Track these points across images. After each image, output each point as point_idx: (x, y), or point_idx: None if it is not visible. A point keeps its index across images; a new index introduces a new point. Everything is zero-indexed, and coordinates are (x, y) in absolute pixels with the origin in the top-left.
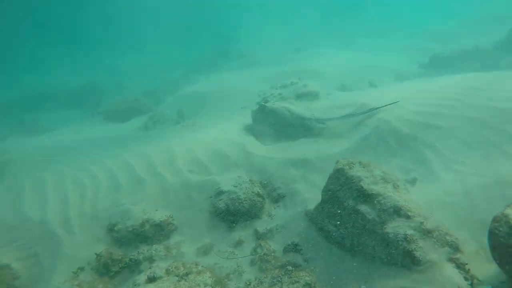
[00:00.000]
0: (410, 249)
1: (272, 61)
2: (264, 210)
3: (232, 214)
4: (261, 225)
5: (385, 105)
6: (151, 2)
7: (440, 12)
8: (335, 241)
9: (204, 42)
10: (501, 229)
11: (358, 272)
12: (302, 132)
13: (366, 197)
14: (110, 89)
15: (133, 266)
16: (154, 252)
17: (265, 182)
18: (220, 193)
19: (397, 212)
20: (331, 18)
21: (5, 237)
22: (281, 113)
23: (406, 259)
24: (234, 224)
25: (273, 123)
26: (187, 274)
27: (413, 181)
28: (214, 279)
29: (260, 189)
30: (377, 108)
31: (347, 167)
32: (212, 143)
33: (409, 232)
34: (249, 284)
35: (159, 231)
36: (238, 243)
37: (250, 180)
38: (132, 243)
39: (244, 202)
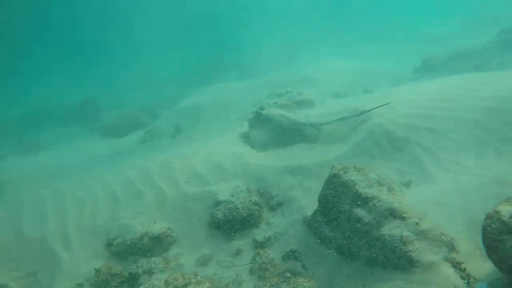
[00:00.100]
0: (406, 250)
1: (268, 70)
2: (262, 218)
3: (230, 224)
4: (260, 233)
5: (377, 107)
6: (149, 14)
7: (440, 12)
8: (333, 246)
9: (199, 54)
10: (493, 225)
11: (356, 276)
12: (298, 137)
13: (362, 200)
14: (107, 104)
15: (132, 280)
16: (153, 264)
17: (262, 191)
18: (217, 203)
19: (392, 214)
20: (328, 24)
21: (3, 256)
22: (277, 119)
23: (402, 261)
24: (232, 234)
25: (269, 130)
26: (186, 285)
27: (408, 183)
28: None
29: (257, 197)
30: (369, 110)
31: (342, 172)
32: (209, 154)
33: (405, 233)
34: None
35: (158, 244)
36: (237, 253)
37: (247, 189)
38: (131, 256)
39: (241, 211)
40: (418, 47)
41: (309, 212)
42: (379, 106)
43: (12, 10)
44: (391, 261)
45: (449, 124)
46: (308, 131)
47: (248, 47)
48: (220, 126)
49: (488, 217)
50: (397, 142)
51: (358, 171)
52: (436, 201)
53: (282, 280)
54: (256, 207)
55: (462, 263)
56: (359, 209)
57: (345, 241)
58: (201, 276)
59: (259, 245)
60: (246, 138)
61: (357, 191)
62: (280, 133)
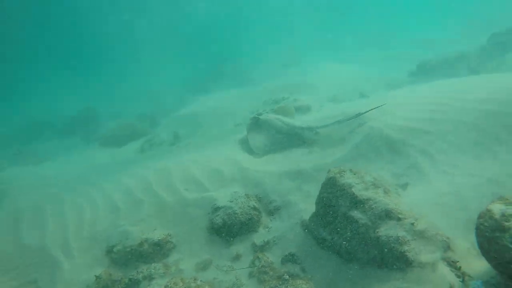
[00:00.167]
0: (403, 251)
1: (266, 77)
2: (261, 223)
3: (229, 229)
4: (258, 238)
5: (372, 109)
6: (148, 24)
7: (435, 17)
8: (331, 249)
9: (197, 62)
10: (485, 224)
11: (354, 278)
12: (296, 141)
13: (358, 203)
14: (107, 114)
15: (132, 286)
16: (153, 270)
17: (261, 196)
18: (216, 209)
19: (388, 215)
20: (325, 30)
21: (3, 265)
22: (275, 124)
23: (399, 261)
24: (231, 239)
25: (267, 135)
26: None
27: (404, 185)
28: None
29: (256, 202)
30: (365, 112)
31: (338, 175)
32: (208, 161)
33: (401, 234)
34: None
35: (158, 250)
36: (237, 257)
37: (246, 194)
38: (131, 263)
39: (240, 217)
40: (414, 51)
41: (307, 215)
42: (374, 108)
43: (12, 19)
44: (387, 261)
45: (445, 126)
46: (306, 135)
47: (246, 54)
48: (218, 133)
49: (480, 215)
50: (393, 145)
51: (354, 174)
52: (433, 202)
53: (281, 283)
54: (255, 212)
55: (458, 261)
56: (355, 211)
57: (342, 243)
58: (200, 281)
59: (258, 249)
60: (244, 144)
61: (353, 193)
62: (278, 137)
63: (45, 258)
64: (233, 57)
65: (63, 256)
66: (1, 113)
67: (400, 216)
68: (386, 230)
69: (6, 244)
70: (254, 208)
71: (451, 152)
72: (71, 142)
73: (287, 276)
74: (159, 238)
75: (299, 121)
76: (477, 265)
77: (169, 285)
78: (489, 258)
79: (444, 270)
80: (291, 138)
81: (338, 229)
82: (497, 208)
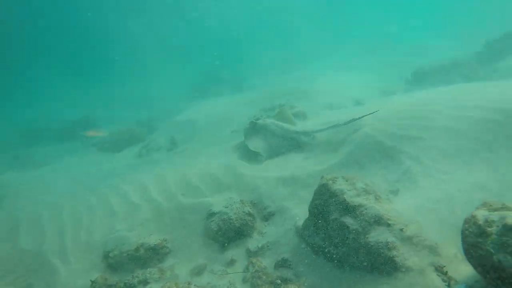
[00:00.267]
0: (391, 256)
1: (263, 83)
2: (255, 228)
3: (224, 234)
4: (253, 243)
5: (367, 115)
6: (147, 29)
7: (432, 25)
8: (323, 254)
9: (196, 69)
10: (470, 229)
11: (345, 283)
12: (292, 146)
13: (349, 209)
14: (105, 120)
15: None
16: (148, 275)
17: (256, 202)
18: (212, 214)
19: (378, 221)
20: (322, 38)
21: (0, 270)
22: (271, 129)
23: (388, 266)
24: (226, 244)
25: (264, 139)
26: None
27: (396, 191)
28: None
29: (250, 208)
30: (359, 118)
31: (331, 181)
32: (204, 166)
33: (390, 239)
34: None
35: (153, 255)
36: (231, 262)
37: (240, 200)
38: (127, 268)
39: (235, 222)
40: (412, 58)
41: (301, 221)
42: (368, 114)
43: (12, 23)
44: (377, 266)
45: (437, 133)
46: (301, 139)
47: (244, 61)
48: (215, 139)
49: (466, 221)
50: (386, 151)
51: (346, 181)
52: (423, 208)
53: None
54: (249, 218)
55: (444, 266)
56: (347, 217)
57: (334, 249)
58: (194, 285)
59: (252, 254)
60: (240, 150)
61: (345, 200)
62: (275, 141)
63: (42, 263)
64: (232, 63)
65: (60, 261)
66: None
67: (389, 222)
68: (376, 236)
69: (3, 249)
70: (249, 214)
71: (442, 158)
72: (68, 147)
73: (279, 281)
74: (155, 243)
75: (295, 126)
76: (464, 269)
77: None
78: (473, 263)
79: (431, 274)
80: (287, 143)
81: (330, 234)
82: (481, 214)
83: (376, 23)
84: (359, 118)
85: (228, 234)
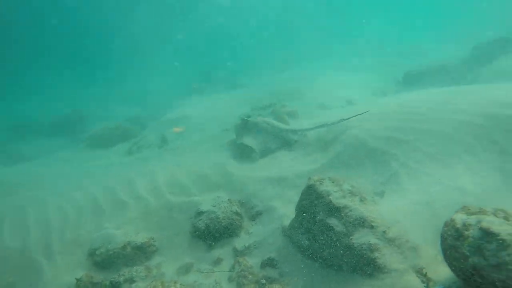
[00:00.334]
0: (373, 257)
1: (257, 82)
2: (242, 228)
3: (211, 233)
4: (240, 242)
5: (355, 115)
6: (141, 27)
7: (426, 27)
8: (308, 255)
9: (187, 67)
10: (449, 232)
11: (329, 283)
12: (281, 144)
13: (335, 210)
14: (95, 116)
15: None
16: (134, 273)
17: (244, 201)
18: (200, 213)
19: (362, 223)
20: (317, 39)
21: None
22: (263, 126)
23: (370, 267)
24: (213, 243)
25: (255, 137)
26: None
27: (381, 193)
28: None
29: (238, 207)
30: (348, 119)
31: (318, 183)
32: (194, 165)
33: (373, 241)
34: None
35: (140, 253)
36: (218, 261)
37: (228, 199)
38: (113, 266)
39: (222, 221)
40: (402, 61)
41: (287, 221)
42: (357, 115)
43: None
44: (360, 267)
45: (421, 136)
46: (290, 137)
47: (238, 60)
48: (206, 137)
49: (446, 224)
50: (372, 153)
51: (333, 182)
52: (407, 210)
53: (258, 287)
54: (237, 217)
55: (424, 268)
56: (332, 219)
57: (319, 250)
58: (180, 284)
59: (239, 253)
60: (230, 149)
61: (331, 201)
62: (265, 139)
63: (25, 261)
64: (226, 61)
65: (45, 259)
66: None
67: (373, 224)
68: (360, 238)
69: None
70: (236, 213)
71: (427, 161)
72: (56, 143)
73: (264, 281)
74: (142, 242)
75: (286, 125)
76: (442, 271)
77: None
78: (450, 265)
79: (411, 276)
80: (277, 141)
81: (316, 235)
82: (459, 218)
83: (376, 23)
84: (348, 118)
85: (216, 233)
